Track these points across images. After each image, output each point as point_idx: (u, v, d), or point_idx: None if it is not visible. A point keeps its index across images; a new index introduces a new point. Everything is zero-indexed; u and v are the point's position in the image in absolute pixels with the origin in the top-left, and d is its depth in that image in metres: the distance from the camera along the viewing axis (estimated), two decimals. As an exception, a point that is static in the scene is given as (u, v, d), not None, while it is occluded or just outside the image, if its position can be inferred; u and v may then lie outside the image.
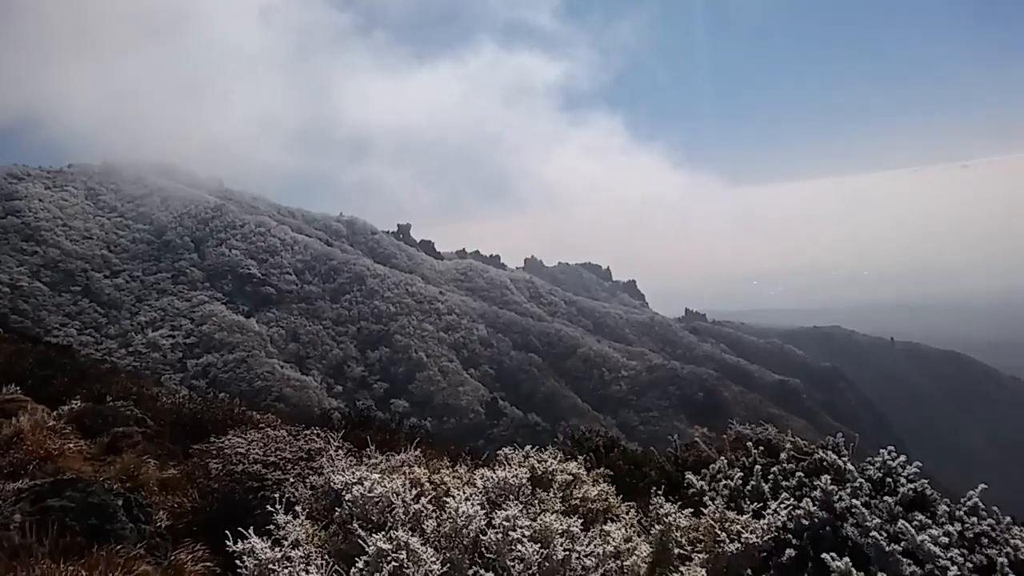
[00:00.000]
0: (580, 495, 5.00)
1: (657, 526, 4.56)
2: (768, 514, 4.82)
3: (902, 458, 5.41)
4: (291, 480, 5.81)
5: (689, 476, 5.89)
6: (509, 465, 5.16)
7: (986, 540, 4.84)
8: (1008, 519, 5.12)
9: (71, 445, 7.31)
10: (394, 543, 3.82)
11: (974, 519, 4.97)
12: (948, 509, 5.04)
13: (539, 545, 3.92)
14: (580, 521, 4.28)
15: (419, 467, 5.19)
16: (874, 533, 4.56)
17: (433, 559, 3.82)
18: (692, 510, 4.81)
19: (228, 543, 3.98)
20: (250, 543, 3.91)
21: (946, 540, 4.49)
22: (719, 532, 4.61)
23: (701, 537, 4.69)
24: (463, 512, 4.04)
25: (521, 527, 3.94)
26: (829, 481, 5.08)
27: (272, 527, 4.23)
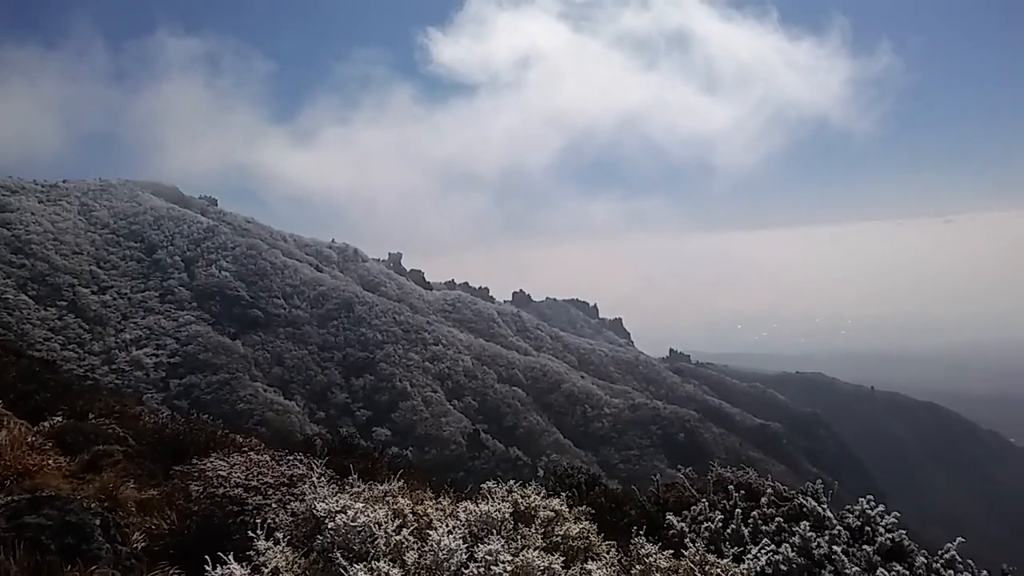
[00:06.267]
0: (562, 532, 4.99)
1: (637, 566, 4.57)
2: (748, 559, 4.83)
3: (881, 507, 5.45)
4: (272, 505, 5.77)
5: (670, 517, 5.90)
6: (492, 499, 5.16)
7: (962, 593, 4.87)
8: (985, 573, 5.16)
9: (50, 462, 7.22)
10: (374, 574, 3.81)
11: (951, 572, 5.00)
12: (926, 561, 5.07)
13: (519, 581, 3.92)
14: (561, 559, 4.28)
15: (402, 497, 5.18)
16: (852, 581, 4.59)
17: (413, 591, 3.82)
18: (672, 551, 4.81)
19: (206, 568, 3.96)
20: (229, 568, 3.89)
21: (923, 592, 4.52)
22: (699, 575, 4.62)
23: (681, 579, 4.69)
24: (445, 545, 4.04)
25: (503, 562, 3.94)
26: (808, 527, 5.11)
27: (252, 553, 4.21)
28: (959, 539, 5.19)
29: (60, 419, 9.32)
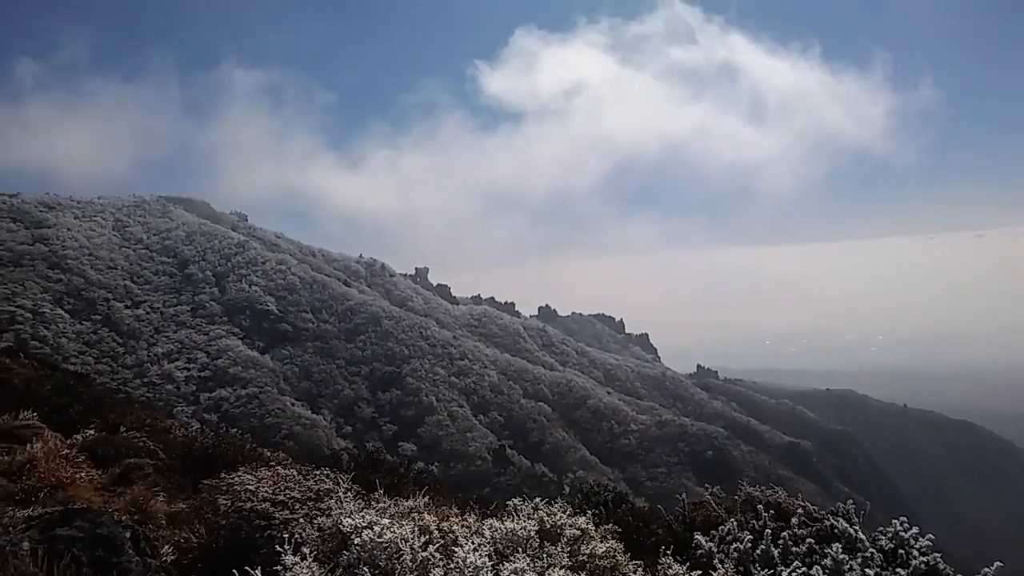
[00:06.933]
0: (588, 551, 4.95)
1: (664, 587, 4.52)
2: (778, 580, 4.75)
3: (915, 529, 5.33)
4: (299, 520, 5.80)
5: (698, 537, 5.83)
6: (518, 516, 5.14)
7: (1000, 619, 4.74)
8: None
9: (83, 474, 7.34)
10: (400, 590, 3.81)
11: (988, 597, 4.87)
12: (962, 585, 4.95)
13: (545, 600, 3.90)
14: (587, 578, 4.25)
15: (428, 514, 5.18)
16: (885, 605, 4.49)
17: (438, 609, 3.81)
18: (700, 572, 4.75)
19: (234, 581, 3.99)
20: (256, 582, 3.91)
21: (959, 617, 4.41)
22: (727, 596, 4.55)
23: (708, 600, 4.63)
24: (471, 563, 4.03)
25: (528, 581, 3.92)
26: (840, 550, 5.01)
27: (279, 568, 4.23)
28: (997, 563, 5.06)
29: (93, 432, 9.44)
